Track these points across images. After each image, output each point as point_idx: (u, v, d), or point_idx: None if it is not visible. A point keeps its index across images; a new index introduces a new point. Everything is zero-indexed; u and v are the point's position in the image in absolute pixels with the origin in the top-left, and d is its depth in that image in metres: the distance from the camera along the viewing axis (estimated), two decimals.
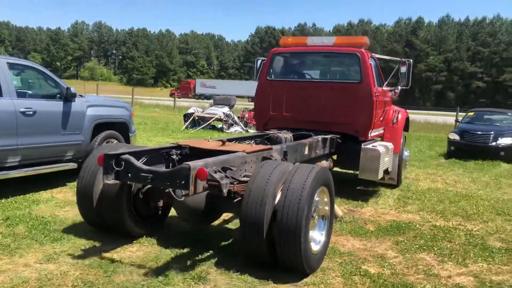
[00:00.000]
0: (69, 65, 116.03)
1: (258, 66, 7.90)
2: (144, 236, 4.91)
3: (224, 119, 17.47)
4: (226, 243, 5.02)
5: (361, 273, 4.28)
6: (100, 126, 7.48)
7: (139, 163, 4.11)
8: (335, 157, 7.49)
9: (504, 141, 12.70)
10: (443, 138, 19.39)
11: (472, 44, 78.01)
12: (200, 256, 4.52)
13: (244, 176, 4.42)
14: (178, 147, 4.85)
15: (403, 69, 7.28)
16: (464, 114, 15.89)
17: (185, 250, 4.64)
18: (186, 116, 17.95)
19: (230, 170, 4.28)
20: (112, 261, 4.29)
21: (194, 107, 18.93)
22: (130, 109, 8.30)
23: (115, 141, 7.80)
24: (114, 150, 4.47)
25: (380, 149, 6.65)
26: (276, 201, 4.00)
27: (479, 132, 13.00)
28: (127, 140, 8.06)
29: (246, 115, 19.54)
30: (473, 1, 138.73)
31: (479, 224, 6.19)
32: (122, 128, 7.96)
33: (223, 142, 5.16)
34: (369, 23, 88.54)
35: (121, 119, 7.95)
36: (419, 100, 75.08)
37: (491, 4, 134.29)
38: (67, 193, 6.69)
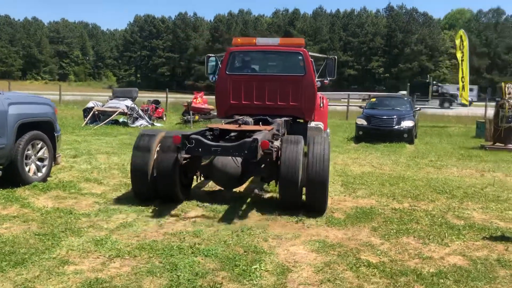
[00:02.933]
0: None
1: (208, 62, 9.19)
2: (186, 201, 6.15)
3: (128, 112, 16.45)
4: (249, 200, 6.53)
5: (364, 264, 4.25)
6: (24, 127, 6.50)
7: (208, 141, 5.65)
8: None
9: (406, 124, 13.77)
10: (338, 123, 20.52)
11: (343, 34, 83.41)
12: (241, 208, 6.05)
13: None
14: (210, 129, 6.28)
15: (330, 62, 8.76)
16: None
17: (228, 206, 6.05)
18: (86, 111, 16.57)
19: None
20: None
21: (93, 101, 17.51)
22: (54, 106, 7.35)
23: (41, 143, 6.87)
24: (172, 133, 5.95)
25: (321, 126, 8.30)
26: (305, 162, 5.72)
27: (384, 117, 13.93)
28: (53, 141, 7.15)
29: (148, 108, 18.65)
30: None
31: (429, 204, 6.57)
32: (47, 128, 7.03)
33: (239, 125, 6.75)
34: (248, 13, 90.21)
35: (45, 117, 7.01)
36: None
37: None
38: None
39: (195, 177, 6.46)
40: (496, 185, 7.85)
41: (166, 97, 25.75)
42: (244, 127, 6.54)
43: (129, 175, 7.58)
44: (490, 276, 4.06)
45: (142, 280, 3.77)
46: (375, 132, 13.55)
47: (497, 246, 4.87)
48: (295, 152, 5.67)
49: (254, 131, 6.17)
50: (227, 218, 5.55)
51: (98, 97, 23.86)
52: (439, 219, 5.76)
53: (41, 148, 6.90)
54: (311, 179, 5.62)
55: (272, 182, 6.54)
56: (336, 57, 9.09)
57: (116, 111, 16.26)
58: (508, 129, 12.42)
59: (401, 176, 8.48)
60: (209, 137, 6.04)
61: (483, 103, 25.41)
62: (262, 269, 4.06)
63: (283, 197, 5.81)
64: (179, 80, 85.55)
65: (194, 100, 18.89)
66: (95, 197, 6.35)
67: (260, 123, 7.48)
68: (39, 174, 6.89)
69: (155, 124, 17.75)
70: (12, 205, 5.77)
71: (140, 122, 16.82)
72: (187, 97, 36.03)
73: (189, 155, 5.70)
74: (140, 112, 17.17)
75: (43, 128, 6.94)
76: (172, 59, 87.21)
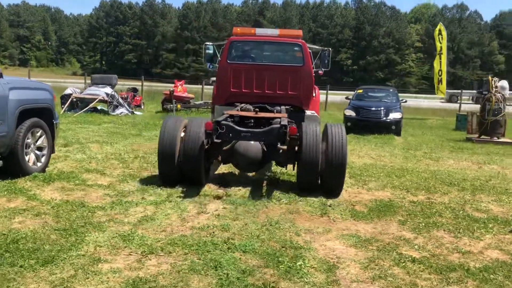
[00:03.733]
0: None
1: (208, 50, 9.37)
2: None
3: (108, 100, 15.86)
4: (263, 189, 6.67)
5: (408, 259, 4.14)
6: (24, 113, 6.07)
7: (238, 127, 6.17)
8: None
9: (394, 116, 13.86)
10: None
11: (313, 25, 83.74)
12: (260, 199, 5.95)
13: None
14: (231, 116, 6.62)
15: (325, 54, 9.11)
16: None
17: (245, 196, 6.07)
18: (63, 98, 15.87)
19: None
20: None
21: (71, 88, 16.79)
22: (52, 92, 6.90)
23: (40, 131, 6.45)
24: (201, 121, 6.26)
25: (317, 115, 8.52)
26: (323, 148, 6.19)
27: (373, 108, 13.97)
28: (51, 128, 6.72)
29: (128, 96, 18.09)
30: None
31: (443, 196, 6.55)
32: (46, 115, 6.60)
33: (256, 112, 7.11)
34: (218, 2, 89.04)
35: (45, 104, 6.58)
36: None
37: None
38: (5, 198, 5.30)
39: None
40: (499, 178, 7.94)
41: (142, 85, 25.08)
42: (260, 114, 7.00)
43: (130, 165, 7.39)
44: None
45: (188, 278, 3.53)
46: (364, 124, 13.58)
47: None
48: (316, 137, 6.09)
49: (272, 118, 6.74)
50: (250, 211, 5.34)
51: (65, 84, 22.94)
52: (461, 212, 5.73)
53: (40, 137, 6.48)
54: (331, 163, 6.07)
55: (289, 167, 6.83)
56: (330, 49, 9.45)
57: (96, 99, 15.66)
58: (494, 122, 12.66)
59: (404, 168, 8.46)
60: (231, 123, 6.27)
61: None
62: (307, 266, 3.89)
63: (303, 179, 6.26)
64: (146, 67, 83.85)
65: (175, 89, 18.44)
66: (103, 188, 6.00)
67: (270, 110, 7.80)
68: (38, 164, 6.48)
69: (135, 112, 17.22)
70: (17, 197, 5.37)
71: (120, 110, 16.28)
72: (157, 86, 35.40)
73: (220, 140, 6.10)
74: (120, 100, 16.60)
75: (42, 115, 6.51)
76: (139, 46, 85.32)
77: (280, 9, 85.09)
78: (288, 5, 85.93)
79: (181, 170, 6.26)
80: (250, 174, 7.29)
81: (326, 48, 9.33)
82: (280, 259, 3.98)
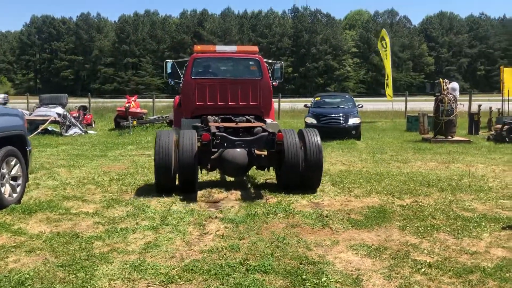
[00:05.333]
0: None
1: (168, 68, 9.96)
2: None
3: (61, 120, 15.16)
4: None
5: (424, 264, 4.21)
6: None
7: (232, 137, 6.87)
8: None
9: (353, 121, 14.21)
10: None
11: (252, 35, 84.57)
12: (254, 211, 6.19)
13: None
14: (217, 127, 7.25)
15: (278, 67, 10.10)
16: None
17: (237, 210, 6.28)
18: None
19: None
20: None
21: (19, 109, 15.85)
22: (24, 117, 6.49)
23: (14, 160, 6.03)
24: (191, 134, 6.86)
25: (277, 123, 9.20)
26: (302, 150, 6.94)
27: (333, 115, 14.25)
28: (25, 156, 6.31)
29: (76, 114, 17.37)
30: None
31: (427, 198, 6.75)
32: (19, 142, 6.19)
33: (236, 123, 7.99)
34: (155, 14, 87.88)
35: (18, 130, 6.16)
36: None
37: None
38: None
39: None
40: (470, 176, 8.30)
41: (89, 102, 24.21)
42: (241, 124, 7.83)
43: (109, 189, 7.10)
44: None
45: None
46: (325, 130, 13.73)
47: None
48: (295, 142, 6.90)
49: (253, 127, 7.60)
50: (251, 228, 5.25)
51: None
52: (451, 213, 5.93)
53: (14, 166, 6.06)
54: (310, 164, 6.89)
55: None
56: (283, 62, 10.88)
57: (47, 120, 14.91)
58: (448, 121, 13.27)
59: (379, 173, 8.66)
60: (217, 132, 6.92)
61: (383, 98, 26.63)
62: (332, 281, 3.86)
63: (287, 179, 7.06)
64: (85, 83, 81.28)
65: (129, 105, 17.93)
66: (91, 216, 5.69)
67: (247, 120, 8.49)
68: (14, 195, 6.06)
69: (88, 132, 16.56)
70: (1, 234, 4.98)
71: (73, 130, 15.63)
72: (99, 101, 34.26)
73: (216, 149, 6.73)
74: (73, 119, 15.92)
75: (15, 143, 6.10)
76: (75, 62, 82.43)
77: (219, 19, 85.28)
78: (227, 16, 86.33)
79: (174, 180, 6.82)
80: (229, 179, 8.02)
81: (278, 62, 10.52)
82: (303, 276, 3.93)
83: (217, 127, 7.24)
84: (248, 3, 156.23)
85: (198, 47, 10.21)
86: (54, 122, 15.19)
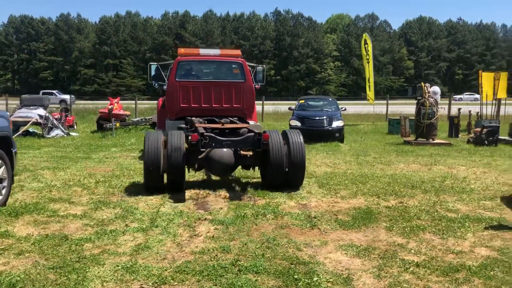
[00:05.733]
0: None
1: (152, 70, 10.41)
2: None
3: (43, 122, 14.96)
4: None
5: (412, 264, 4.31)
6: None
7: (220, 137, 6.96)
8: None
9: (336, 124, 14.37)
10: None
11: (234, 37, 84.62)
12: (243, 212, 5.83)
13: None
14: (204, 128, 7.29)
15: (260, 70, 10.60)
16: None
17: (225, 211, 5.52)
18: None
19: None
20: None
21: (4, 111, 15.58)
22: (9, 119, 6.42)
23: (0, 161, 5.96)
24: (179, 135, 6.98)
25: (260, 124, 9.54)
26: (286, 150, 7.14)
27: (317, 118, 14.39)
28: (11, 158, 6.24)
29: (58, 116, 17.14)
30: None
31: (412, 199, 6.88)
32: (4, 144, 6.11)
33: (222, 124, 8.11)
34: (137, 15, 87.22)
35: (3, 132, 6.09)
36: None
37: (248, 1, 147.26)
38: None
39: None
40: (452, 178, 8.49)
41: (70, 103, 23.92)
42: (227, 125, 7.95)
43: (95, 191, 7.07)
44: None
45: None
46: (310, 133, 13.86)
47: (504, 235, 5.24)
48: (279, 142, 7.12)
49: (238, 128, 7.73)
50: (241, 230, 5.29)
51: None
52: (435, 214, 6.06)
53: (0, 167, 5.98)
54: (294, 163, 7.13)
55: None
56: (264, 66, 11.32)
57: (28, 121, 14.70)
58: (429, 125, 13.52)
59: (364, 174, 8.78)
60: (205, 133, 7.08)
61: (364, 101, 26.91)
62: (323, 280, 3.93)
63: (272, 178, 7.24)
64: (64, 85, 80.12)
65: (112, 107, 17.80)
66: (79, 218, 5.65)
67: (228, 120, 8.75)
68: (0, 198, 5.97)
69: (70, 133, 16.37)
70: None
71: (55, 132, 15.42)
72: (81, 103, 33.92)
73: (205, 149, 6.83)
74: (55, 121, 15.72)
75: (0, 144, 6.02)
76: (55, 63, 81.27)
77: (201, 21, 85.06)
78: (209, 18, 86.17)
79: (163, 179, 6.93)
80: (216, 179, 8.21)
81: (260, 65, 10.82)
82: (295, 276, 3.98)
83: (205, 128, 7.34)
84: (230, 6, 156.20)
85: (182, 50, 10.50)
86: (36, 123, 14.98)
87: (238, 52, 10.72)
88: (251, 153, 7.47)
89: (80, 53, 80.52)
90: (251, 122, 9.22)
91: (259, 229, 5.36)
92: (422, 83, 13.97)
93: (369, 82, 22.19)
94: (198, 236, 5.11)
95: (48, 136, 14.90)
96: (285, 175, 7.22)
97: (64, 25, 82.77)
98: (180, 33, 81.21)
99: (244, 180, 8.27)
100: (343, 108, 16.24)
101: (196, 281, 3.89)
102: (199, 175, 8.55)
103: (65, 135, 15.62)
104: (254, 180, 8.19)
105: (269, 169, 7.16)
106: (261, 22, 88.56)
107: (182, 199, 6.68)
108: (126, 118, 19.21)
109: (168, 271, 4.09)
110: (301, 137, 7.30)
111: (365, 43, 22.29)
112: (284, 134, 7.45)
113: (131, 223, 5.52)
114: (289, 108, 16.94)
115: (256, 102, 10.26)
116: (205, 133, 6.82)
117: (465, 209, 6.34)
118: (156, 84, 10.60)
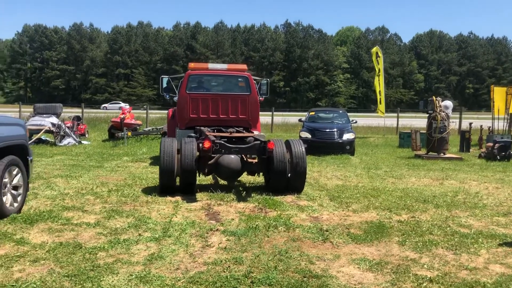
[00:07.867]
0: None
1: (164, 83, 11.36)
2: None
3: (55, 130, 15.13)
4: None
5: (426, 279, 4.29)
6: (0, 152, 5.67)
7: (229, 144, 7.59)
8: None
9: (347, 136, 14.37)
10: None
11: (245, 49, 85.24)
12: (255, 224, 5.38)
13: None
14: (214, 136, 7.83)
15: (264, 83, 11.74)
16: None
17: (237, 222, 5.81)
18: None
19: None
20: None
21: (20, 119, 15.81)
22: (26, 127, 6.51)
23: (16, 169, 6.04)
24: (192, 141, 7.59)
25: (264, 134, 9.66)
26: (289, 158, 7.82)
27: (327, 130, 14.41)
28: (27, 166, 6.32)
29: (70, 124, 17.33)
30: (242, 10, 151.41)
31: (424, 214, 6.85)
32: (20, 152, 6.19)
33: (231, 132, 8.59)
34: (149, 25, 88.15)
35: (20, 140, 6.17)
36: None
37: (259, 13, 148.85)
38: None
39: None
40: (464, 193, 8.44)
41: (82, 112, 24.16)
42: (234, 134, 8.50)
43: (108, 200, 7.14)
44: None
45: None
46: (320, 145, 13.93)
47: None
48: (283, 150, 7.72)
49: (245, 137, 8.38)
50: (253, 241, 5.29)
51: None
52: (448, 229, 6.02)
53: (16, 175, 6.06)
54: (296, 169, 7.72)
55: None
56: (268, 79, 12.49)
57: (41, 129, 14.87)
58: (441, 139, 13.48)
59: (375, 188, 8.77)
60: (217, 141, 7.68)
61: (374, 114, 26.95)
62: None
63: (275, 184, 7.87)
64: (75, 93, 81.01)
65: (124, 116, 17.96)
66: (93, 227, 5.70)
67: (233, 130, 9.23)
68: (15, 205, 6.05)
69: (82, 142, 16.53)
70: (4, 243, 4.97)
71: (67, 140, 15.58)
72: (90, 112, 34.17)
73: (215, 155, 7.50)
74: (67, 129, 15.89)
75: (17, 152, 6.11)
76: (67, 71, 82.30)
77: (212, 33, 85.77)
78: (220, 29, 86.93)
79: (176, 181, 7.53)
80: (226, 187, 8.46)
81: (265, 79, 12.08)
82: None
83: (215, 136, 7.88)
84: (241, 18, 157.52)
85: (192, 65, 11.43)
86: (48, 131, 15.15)
87: (244, 66, 11.46)
88: (256, 159, 8.12)
89: (92, 62, 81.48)
90: (256, 132, 9.68)
91: (271, 241, 5.37)
92: (434, 97, 13.95)
93: (380, 95, 22.18)
94: (211, 246, 5.13)
95: (60, 144, 15.06)
96: (287, 180, 7.83)
97: (76, 34, 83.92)
98: (191, 44, 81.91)
99: (248, 185, 8.78)
100: (354, 121, 16.25)
101: None
102: (209, 180, 9.09)
103: (77, 144, 15.77)
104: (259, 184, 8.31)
105: (272, 174, 7.78)
106: (271, 34, 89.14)
107: (193, 209, 6.72)
108: (138, 127, 19.37)
109: (181, 281, 4.11)
110: (303, 146, 7.90)
111: (377, 56, 22.32)
112: (287, 143, 8.01)
113: (144, 232, 5.55)
114: (299, 120, 16.98)
115: (265, 113, 10.63)
116: (216, 141, 7.45)
117: (478, 225, 6.30)
118: (167, 96, 11.46)
